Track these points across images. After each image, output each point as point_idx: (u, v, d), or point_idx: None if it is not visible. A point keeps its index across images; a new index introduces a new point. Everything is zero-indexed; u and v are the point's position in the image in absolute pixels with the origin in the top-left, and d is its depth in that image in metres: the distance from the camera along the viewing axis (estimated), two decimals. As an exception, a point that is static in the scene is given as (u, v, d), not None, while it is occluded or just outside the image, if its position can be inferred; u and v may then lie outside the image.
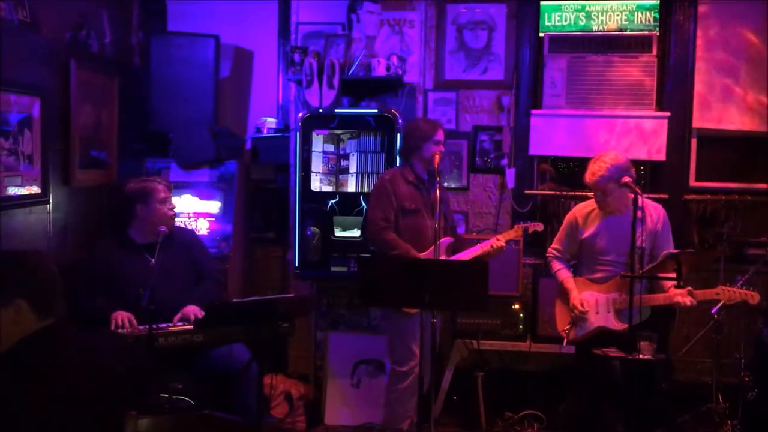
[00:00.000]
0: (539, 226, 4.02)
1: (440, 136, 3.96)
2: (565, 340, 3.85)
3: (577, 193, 4.75)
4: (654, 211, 3.78)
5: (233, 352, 3.62)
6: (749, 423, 3.88)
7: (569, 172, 5.05)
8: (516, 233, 4.02)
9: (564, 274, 3.90)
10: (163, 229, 3.58)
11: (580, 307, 3.74)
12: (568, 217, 3.98)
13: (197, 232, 4.45)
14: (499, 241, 3.91)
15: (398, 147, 4.28)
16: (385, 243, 3.87)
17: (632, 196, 3.49)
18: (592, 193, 3.83)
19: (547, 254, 4.04)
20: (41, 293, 2.18)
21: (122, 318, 3.46)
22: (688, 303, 3.57)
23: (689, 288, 3.56)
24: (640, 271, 3.50)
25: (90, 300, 3.55)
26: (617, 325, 3.67)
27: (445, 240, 3.93)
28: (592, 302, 3.75)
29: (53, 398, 2.04)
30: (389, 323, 4.02)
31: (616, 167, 3.65)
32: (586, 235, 3.83)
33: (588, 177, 3.72)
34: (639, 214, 3.50)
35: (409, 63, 4.73)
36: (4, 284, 2.16)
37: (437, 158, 3.88)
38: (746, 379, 3.95)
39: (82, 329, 3.09)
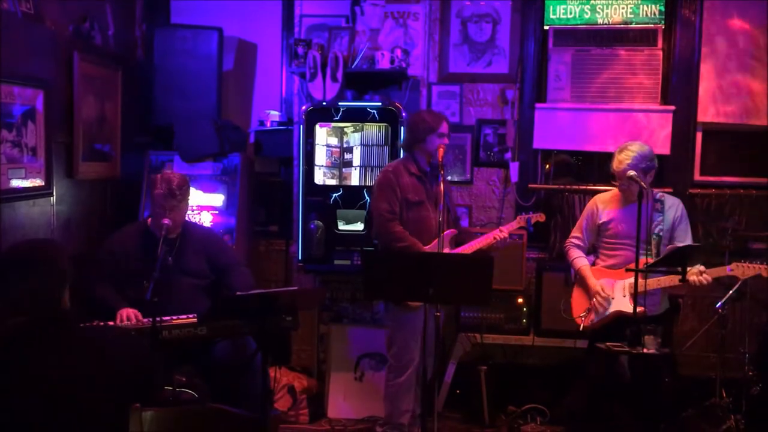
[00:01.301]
0: (542, 217, 4.03)
1: (445, 128, 3.94)
2: (582, 326, 3.84)
3: (581, 186, 4.74)
4: (674, 204, 3.84)
5: (237, 344, 3.62)
6: (753, 418, 3.88)
7: (574, 165, 5.02)
8: (519, 224, 4.02)
9: (581, 262, 3.91)
10: (166, 221, 3.54)
11: (602, 292, 3.75)
12: (588, 205, 4.02)
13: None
14: (502, 232, 3.92)
15: (401, 139, 4.26)
16: (393, 235, 3.86)
17: (645, 188, 3.52)
18: (600, 186, 3.86)
19: (566, 243, 4.04)
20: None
21: (127, 314, 3.45)
22: (703, 281, 3.59)
23: (701, 267, 3.58)
24: (651, 259, 3.56)
25: (99, 290, 3.54)
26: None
27: (448, 232, 3.92)
28: (609, 289, 3.76)
29: (51, 392, 2.04)
30: (390, 316, 4.02)
31: (642, 156, 3.69)
32: (604, 219, 3.87)
33: (615, 165, 3.75)
34: (658, 206, 3.67)
35: (413, 56, 4.71)
36: None
37: (441, 151, 3.86)
38: (750, 373, 3.94)
39: (85, 322, 3.11)
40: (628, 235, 3.77)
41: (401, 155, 4.35)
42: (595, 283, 3.80)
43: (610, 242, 3.86)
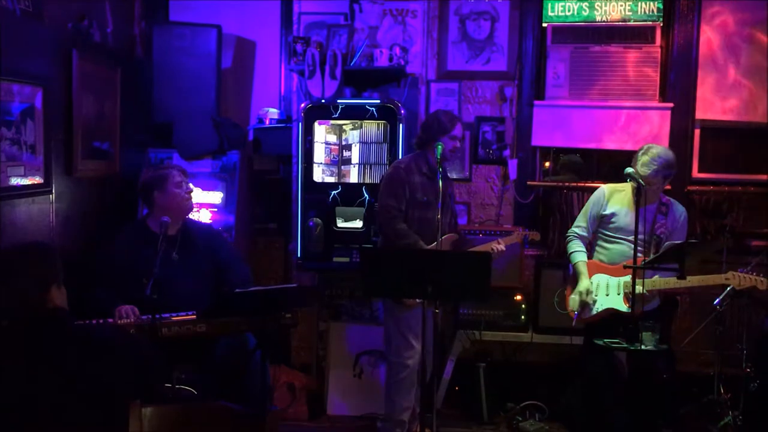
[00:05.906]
0: (536, 236, 4.16)
1: (458, 131, 3.97)
2: (574, 320, 3.84)
3: (579, 184, 4.75)
4: (678, 209, 3.83)
5: (237, 341, 3.62)
6: (751, 414, 3.89)
7: (572, 162, 5.03)
8: (516, 239, 4.14)
9: (579, 256, 3.88)
10: (165, 219, 3.53)
11: (590, 292, 3.75)
12: (597, 193, 3.94)
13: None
14: (499, 244, 3.96)
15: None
16: (397, 232, 3.87)
17: (643, 186, 3.54)
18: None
19: (568, 233, 3.99)
20: None
21: (126, 311, 3.44)
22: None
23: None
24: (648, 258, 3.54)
25: (98, 291, 3.52)
26: (626, 308, 3.68)
27: (449, 237, 3.94)
28: (603, 284, 3.76)
29: (44, 390, 2.04)
30: (388, 314, 4.03)
31: (668, 163, 3.66)
32: (609, 210, 3.84)
33: (640, 169, 3.66)
34: (663, 209, 3.70)
35: (411, 53, 4.72)
36: None
37: (451, 152, 3.90)
38: (748, 370, 3.96)
39: (83, 320, 3.10)
40: (629, 230, 3.76)
41: (400, 153, 4.36)
42: (585, 281, 3.79)
43: (608, 235, 3.84)
